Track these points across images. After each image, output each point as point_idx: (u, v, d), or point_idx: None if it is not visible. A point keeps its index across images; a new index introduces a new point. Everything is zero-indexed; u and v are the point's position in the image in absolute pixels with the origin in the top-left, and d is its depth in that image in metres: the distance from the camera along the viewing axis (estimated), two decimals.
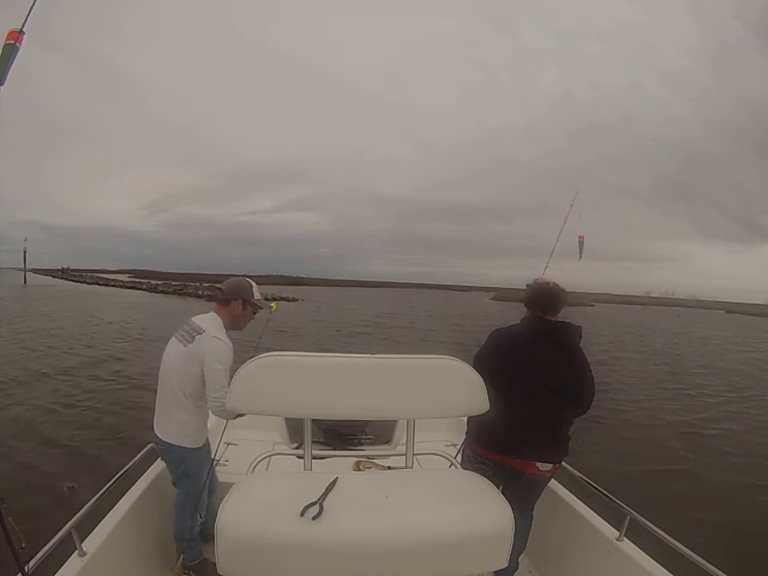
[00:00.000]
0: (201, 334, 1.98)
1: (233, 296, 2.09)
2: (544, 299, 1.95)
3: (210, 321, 2.06)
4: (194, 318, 2.09)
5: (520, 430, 1.84)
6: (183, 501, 2.08)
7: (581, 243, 3.55)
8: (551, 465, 1.94)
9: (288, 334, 16.04)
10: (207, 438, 2.16)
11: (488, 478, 1.49)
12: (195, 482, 2.06)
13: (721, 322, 47.97)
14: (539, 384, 1.85)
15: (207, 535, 2.11)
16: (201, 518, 2.10)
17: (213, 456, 2.22)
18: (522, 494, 1.96)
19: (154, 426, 2.09)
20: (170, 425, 2.03)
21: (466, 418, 2.13)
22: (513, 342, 1.93)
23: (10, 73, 1.15)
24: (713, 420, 8.21)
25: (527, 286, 2.00)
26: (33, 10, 1.12)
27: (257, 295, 2.16)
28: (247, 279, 2.18)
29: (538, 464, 1.90)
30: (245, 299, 2.11)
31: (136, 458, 2.14)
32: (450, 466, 1.67)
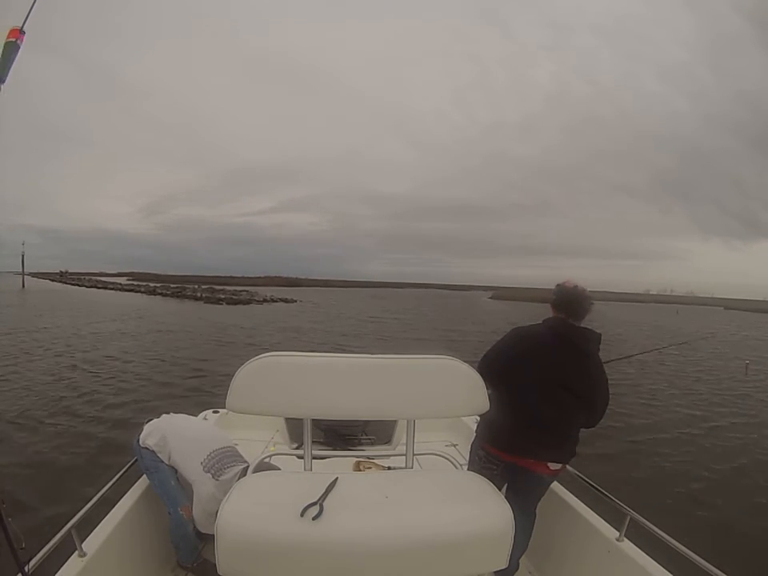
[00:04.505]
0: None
1: None
2: (572, 303, 1.93)
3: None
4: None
5: (535, 430, 1.84)
6: (162, 497, 2.03)
7: (747, 365, 5.04)
8: (560, 464, 1.96)
9: (251, 347, 13.17)
10: (171, 453, 2.09)
11: (495, 478, 1.47)
12: (155, 479, 2.04)
13: (733, 320, 46.80)
14: (556, 385, 1.85)
15: (207, 535, 2.08)
16: (184, 513, 1.99)
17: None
18: (527, 493, 1.97)
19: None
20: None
21: (475, 420, 2.11)
22: (532, 341, 1.92)
23: (10, 72, 1.15)
24: None
25: (556, 286, 1.97)
26: (32, 13, 1.12)
27: None
28: None
29: (550, 464, 1.91)
30: None
31: (136, 458, 2.13)
32: (450, 467, 1.67)
